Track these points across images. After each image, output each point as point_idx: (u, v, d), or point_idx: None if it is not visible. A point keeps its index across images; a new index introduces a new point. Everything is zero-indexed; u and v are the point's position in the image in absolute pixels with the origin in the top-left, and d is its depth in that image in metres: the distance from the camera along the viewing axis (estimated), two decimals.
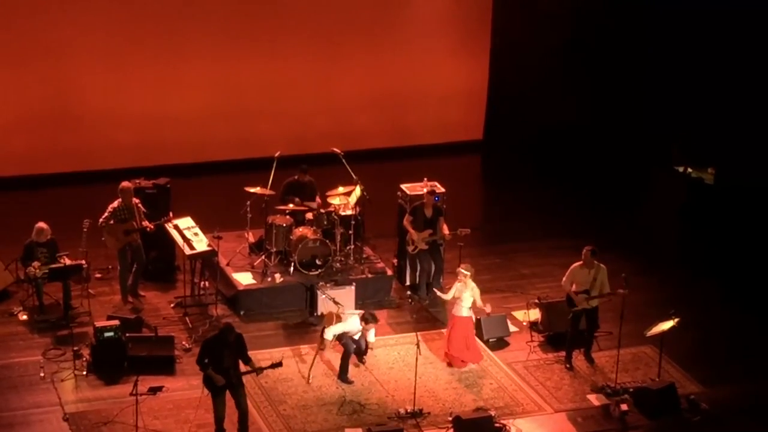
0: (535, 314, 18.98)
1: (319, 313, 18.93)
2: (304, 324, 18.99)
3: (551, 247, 21.30)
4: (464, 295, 17.66)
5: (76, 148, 23.29)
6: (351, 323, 17.53)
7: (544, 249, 21.40)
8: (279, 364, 15.94)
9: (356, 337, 17.54)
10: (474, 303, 17.73)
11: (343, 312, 17.81)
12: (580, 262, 17.79)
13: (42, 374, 17.36)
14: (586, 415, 17.01)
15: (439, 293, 18.45)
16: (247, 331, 18.24)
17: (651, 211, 22.99)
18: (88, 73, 23.11)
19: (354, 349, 17.56)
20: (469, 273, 17.69)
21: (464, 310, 17.71)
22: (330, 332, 17.44)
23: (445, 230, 19.40)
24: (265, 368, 15.91)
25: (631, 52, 23.91)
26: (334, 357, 17.80)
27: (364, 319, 17.51)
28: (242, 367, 15.86)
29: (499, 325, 18.75)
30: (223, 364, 15.59)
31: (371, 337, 17.78)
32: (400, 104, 25.16)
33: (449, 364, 17.89)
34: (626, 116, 24.15)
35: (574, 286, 17.82)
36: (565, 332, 18.07)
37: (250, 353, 16.07)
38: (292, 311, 19.27)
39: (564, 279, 17.98)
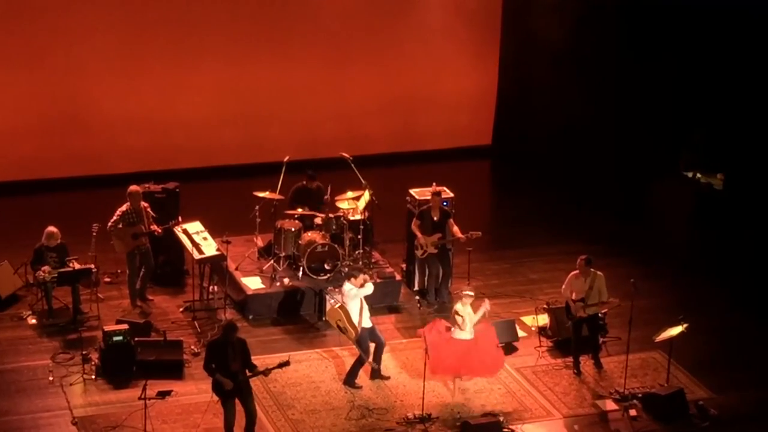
0: (543, 319, 18.98)
1: (326, 319, 18.96)
2: (313, 328, 19.00)
3: (560, 252, 21.28)
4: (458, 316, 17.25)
5: (86, 152, 23.33)
6: (351, 299, 17.33)
7: (552, 254, 21.38)
8: (286, 363, 15.90)
9: (363, 311, 17.37)
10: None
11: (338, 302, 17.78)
12: (577, 271, 17.80)
13: (51, 378, 17.38)
14: (594, 421, 17.00)
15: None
16: (256, 335, 18.29)
17: (660, 216, 22.95)
18: (97, 78, 23.14)
19: (375, 348, 17.51)
20: (471, 297, 17.23)
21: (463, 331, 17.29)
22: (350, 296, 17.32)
23: (458, 233, 19.36)
24: (273, 368, 15.85)
25: (640, 57, 23.88)
26: (349, 361, 17.80)
27: (350, 276, 17.37)
28: (248, 373, 15.81)
29: (508, 330, 18.73)
30: (231, 368, 15.57)
31: (369, 288, 17.46)
32: (409, 109, 25.17)
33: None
34: (635, 121, 24.12)
35: (573, 295, 17.84)
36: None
37: (259, 358, 16.06)
38: (301, 316, 19.28)
39: (563, 287, 17.99)
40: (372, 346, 17.52)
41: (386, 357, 17.92)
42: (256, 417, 15.97)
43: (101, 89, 23.21)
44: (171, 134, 23.71)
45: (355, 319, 17.25)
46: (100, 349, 17.63)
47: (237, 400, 15.77)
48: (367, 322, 17.38)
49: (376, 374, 17.62)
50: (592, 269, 17.74)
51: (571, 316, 17.86)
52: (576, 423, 16.89)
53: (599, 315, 18.02)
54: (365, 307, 17.40)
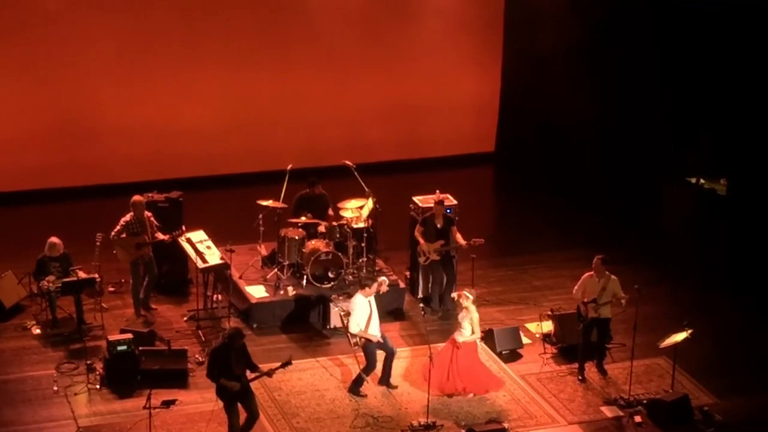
0: (548, 326, 18.96)
1: (331, 326, 18.96)
2: (317, 337, 19.00)
3: (564, 259, 21.29)
4: (464, 322, 17.29)
5: (89, 161, 23.35)
6: (359, 305, 17.30)
7: (556, 261, 21.39)
8: (289, 363, 15.91)
9: (372, 322, 17.29)
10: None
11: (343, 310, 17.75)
12: (592, 272, 17.78)
13: (55, 388, 17.39)
14: (599, 428, 16.98)
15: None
16: (260, 344, 18.29)
17: (663, 222, 22.96)
18: (100, 87, 23.18)
19: (385, 357, 17.48)
20: (471, 297, 17.30)
21: (465, 335, 17.36)
22: (353, 325, 17.27)
23: (461, 240, 19.36)
24: (276, 369, 15.84)
25: (644, 63, 23.90)
26: (353, 369, 17.79)
27: (364, 285, 17.33)
28: (250, 375, 15.83)
29: (512, 337, 18.73)
30: (234, 371, 15.59)
31: (384, 286, 17.65)
32: (412, 116, 25.19)
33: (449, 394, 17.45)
34: (639, 127, 24.13)
35: (585, 297, 17.81)
36: (578, 344, 18.06)
37: (263, 367, 16.04)
38: (305, 324, 19.28)
39: (575, 288, 17.96)
40: (381, 355, 17.49)
41: (393, 365, 17.90)
42: (258, 418, 15.97)
43: (105, 98, 23.24)
44: (174, 143, 23.73)
45: (359, 328, 17.22)
46: (105, 358, 17.64)
47: (240, 405, 15.78)
48: (375, 332, 17.36)
49: (383, 380, 17.60)
50: (606, 271, 17.70)
51: (582, 318, 17.81)
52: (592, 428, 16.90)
53: (610, 318, 17.91)
54: (376, 318, 17.36)
